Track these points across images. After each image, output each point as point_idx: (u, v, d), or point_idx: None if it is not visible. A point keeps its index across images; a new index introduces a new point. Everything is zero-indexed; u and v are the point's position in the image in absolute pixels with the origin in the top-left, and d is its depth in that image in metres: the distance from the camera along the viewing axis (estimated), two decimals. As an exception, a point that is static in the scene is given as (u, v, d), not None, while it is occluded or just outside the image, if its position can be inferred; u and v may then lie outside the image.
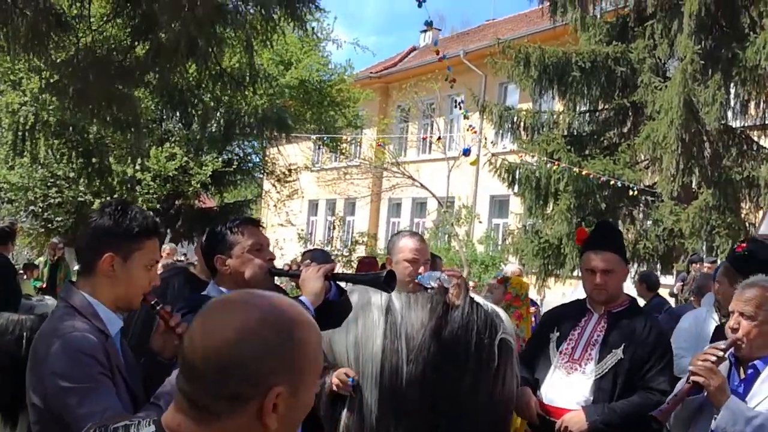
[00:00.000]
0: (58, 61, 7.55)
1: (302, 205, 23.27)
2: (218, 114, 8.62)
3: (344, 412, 3.25)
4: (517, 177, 13.84)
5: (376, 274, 2.89)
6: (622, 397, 3.39)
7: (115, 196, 12.80)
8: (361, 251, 19.73)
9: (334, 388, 3.22)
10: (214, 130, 11.63)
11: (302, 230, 22.16)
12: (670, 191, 12.16)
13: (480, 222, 20.76)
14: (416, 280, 3.36)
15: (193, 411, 1.27)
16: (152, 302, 2.43)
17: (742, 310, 2.94)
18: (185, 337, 1.32)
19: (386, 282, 2.82)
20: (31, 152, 12.05)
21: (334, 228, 24.51)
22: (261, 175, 17.63)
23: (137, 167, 12.90)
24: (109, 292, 2.32)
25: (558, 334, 3.61)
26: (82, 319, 2.24)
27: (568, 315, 3.73)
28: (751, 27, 12.30)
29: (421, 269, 3.43)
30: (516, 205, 17.48)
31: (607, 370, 3.42)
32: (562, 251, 12.74)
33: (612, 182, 12.20)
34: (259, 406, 1.24)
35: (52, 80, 7.58)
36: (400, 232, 3.72)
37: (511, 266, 10.54)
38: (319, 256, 5.88)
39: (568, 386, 3.47)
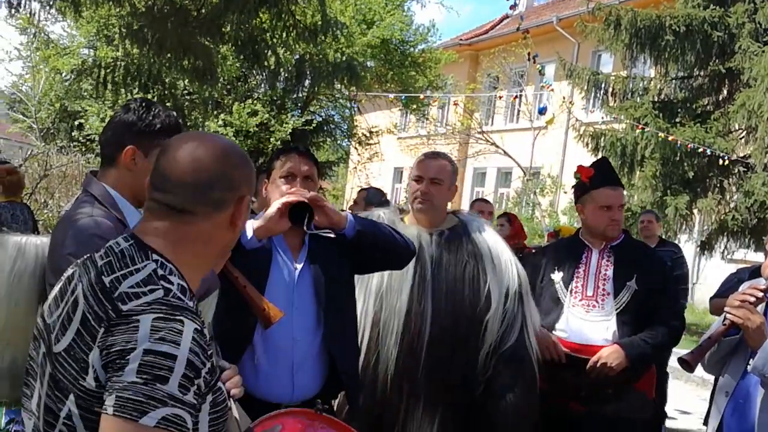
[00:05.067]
0: (139, 10, 7.79)
1: (381, 169, 23.29)
2: (290, 66, 8.67)
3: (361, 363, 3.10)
4: (601, 144, 13.46)
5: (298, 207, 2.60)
6: (645, 327, 3.38)
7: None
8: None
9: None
10: (289, 85, 11.71)
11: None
12: (764, 162, 11.55)
13: (565, 192, 20.31)
14: None
15: (175, 216, 1.50)
16: None
17: None
18: (162, 158, 1.54)
19: (293, 213, 2.57)
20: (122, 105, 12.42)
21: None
22: (345, 137, 17.75)
23: (220, 122, 13.23)
24: (129, 184, 2.36)
25: (561, 274, 3.54)
26: (100, 207, 2.30)
27: (564, 254, 3.66)
28: None
29: (423, 186, 3.17)
30: (602, 175, 16.98)
31: (625, 303, 3.41)
32: (645, 220, 12.33)
33: (701, 150, 11.68)
34: (234, 210, 1.54)
35: (134, 28, 7.82)
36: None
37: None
38: (373, 194, 5.89)
39: (590, 324, 3.43)
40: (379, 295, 3.14)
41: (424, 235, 3.19)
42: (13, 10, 7.24)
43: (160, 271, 1.43)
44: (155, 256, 1.46)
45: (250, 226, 2.60)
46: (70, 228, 2.25)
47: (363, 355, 3.07)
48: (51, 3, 7.81)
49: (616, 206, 3.51)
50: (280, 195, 2.70)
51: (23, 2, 7.14)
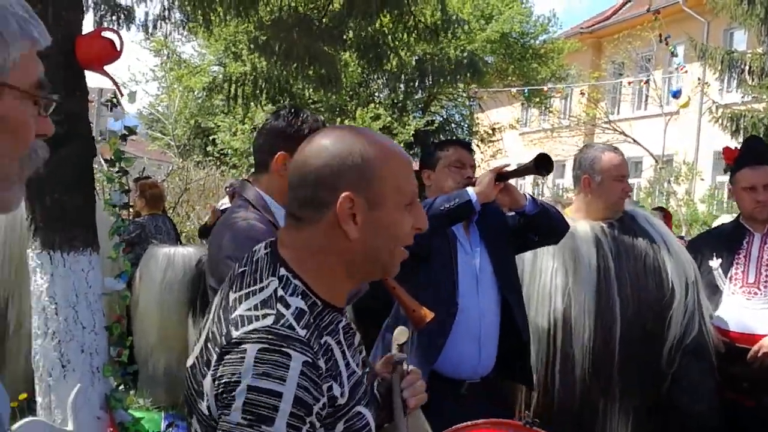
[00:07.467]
0: (266, 23, 8.04)
1: (505, 164, 22.88)
2: (410, 68, 8.71)
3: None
4: (742, 125, 12.71)
5: (529, 163, 2.81)
6: None
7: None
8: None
9: None
10: (410, 86, 11.79)
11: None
12: None
13: (702, 179, 19.30)
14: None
15: (291, 221, 1.45)
16: None
17: None
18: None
19: (539, 166, 2.75)
20: (251, 118, 12.91)
21: (537, 185, 23.99)
22: (466, 136, 17.65)
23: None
24: (280, 188, 2.41)
25: (720, 260, 3.38)
26: (254, 211, 2.40)
27: (724, 240, 3.48)
28: None
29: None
30: (743, 159, 16.02)
31: None
32: (794, 204, 11.54)
33: None
34: (338, 211, 1.36)
35: (260, 41, 8.08)
36: (593, 146, 3.48)
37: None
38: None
39: (751, 312, 3.25)
40: (566, 292, 3.17)
41: (598, 228, 3.24)
42: (149, 33, 7.64)
43: (280, 292, 1.35)
44: (282, 271, 1.38)
45: (472, 192, 2.78)
46: (227, 232, 2.35)
47: (558, 352, 3.14)
48: (183, 24, 8.18)
49: (761, 186, 3.33)
50: (453, 181, 2.94)
51: (158, 24, 7.52)
